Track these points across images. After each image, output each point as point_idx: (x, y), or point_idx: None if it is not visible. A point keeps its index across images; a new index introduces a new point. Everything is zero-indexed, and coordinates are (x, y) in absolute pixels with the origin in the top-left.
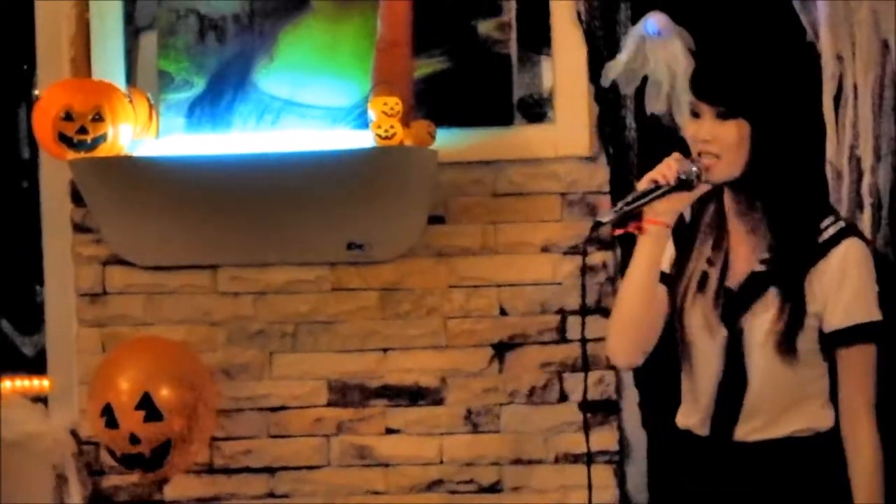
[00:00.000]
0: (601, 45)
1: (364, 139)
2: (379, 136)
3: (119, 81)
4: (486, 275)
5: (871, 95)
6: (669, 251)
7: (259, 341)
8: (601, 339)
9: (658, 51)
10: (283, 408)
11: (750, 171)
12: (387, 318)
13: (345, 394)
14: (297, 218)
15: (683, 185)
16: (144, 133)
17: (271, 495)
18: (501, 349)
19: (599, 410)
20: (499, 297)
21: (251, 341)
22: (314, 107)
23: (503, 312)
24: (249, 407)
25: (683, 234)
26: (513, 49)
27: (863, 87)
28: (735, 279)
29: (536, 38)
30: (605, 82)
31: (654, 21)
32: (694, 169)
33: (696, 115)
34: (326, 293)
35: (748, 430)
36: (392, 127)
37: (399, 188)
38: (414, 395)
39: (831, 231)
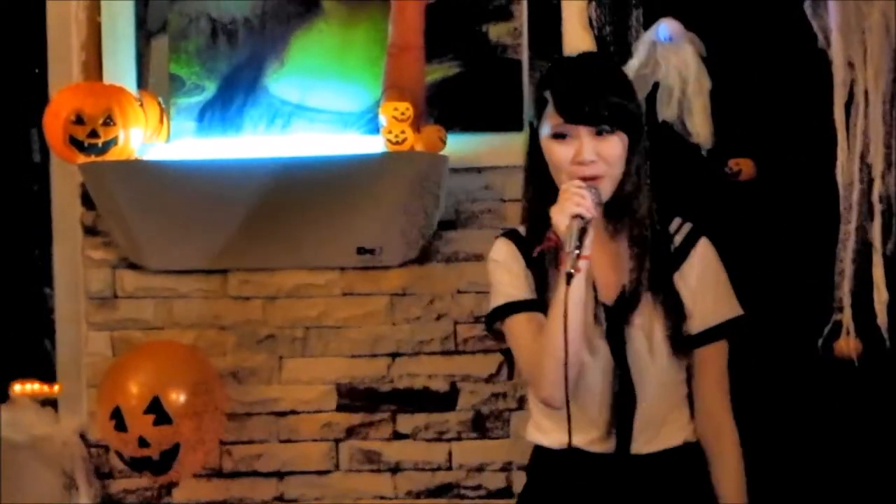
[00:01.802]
0: (613, 51)
1: (375, 144)
2: (389, 140)
3: (130, 85)
4: None
5: (882, 102)
6: (527, 277)
7: (269, 345)
8: None
9: (670, 57)
10: (292, 412)
11: (623, 186)
12: (396, 323)
13: (354, 398)
14: (307, 222)
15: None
16: (155, 137)
17: (280, 499)
18: (510, 354)
19: None
20: None
21: (261, 345)
22: (325, 111)
23: None
24: (259, 411)
25: (537, 260)
26: (524, 54)
27: (874, 94)
28: (608, 294)
29: (548, 43)
30: None
31: (666, 27)
32: (594, 192)
33: (561, 136)
34: (336, 298)
35: (643, 443)
36: (403, 132)
37: (409, 193)
38: (423, 400)
39: (684, 231)
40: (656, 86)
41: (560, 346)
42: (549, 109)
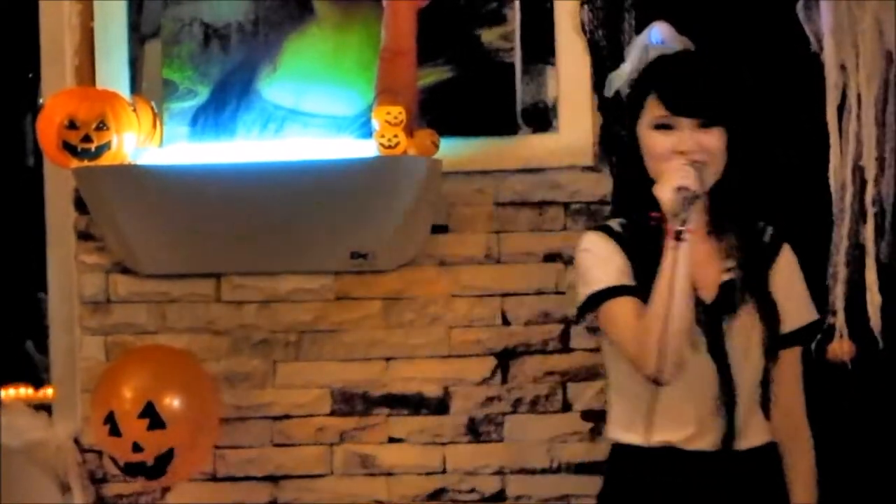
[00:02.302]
0: (605, 55)
1: (368, 148)
2: (382, 145)
3: (123, 90)
4: (489, 284)
5: (874, 105)
6: (625, 265)
7: (263, 350)
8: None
9: None
10: (286, 416)
11: (724, 181)
12: (390, 327)
13: (348, 402)
14: (300, 227)
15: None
16: (148, 142)
17: None
18: (504, 358)
19: (602, 420)
20: (502, 306)
21: (255, 350)
22: (318, 115)
23: (506, 322)
24: (253, 415)
25: (640, 250)
26: (517, 58)
27: (866, 98)
28: (707, 292)
29: (540, 47)
30: (609, 92)
31: (659, 31)
32: (701, 174)
33: (667, 127)
34: (330, 302)
35: (743, 439)
36: (396, 136)
37: (403, 197)
38: (417, 404)
39: (769, 234)
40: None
41: (668, 311)
42: (652, 101)
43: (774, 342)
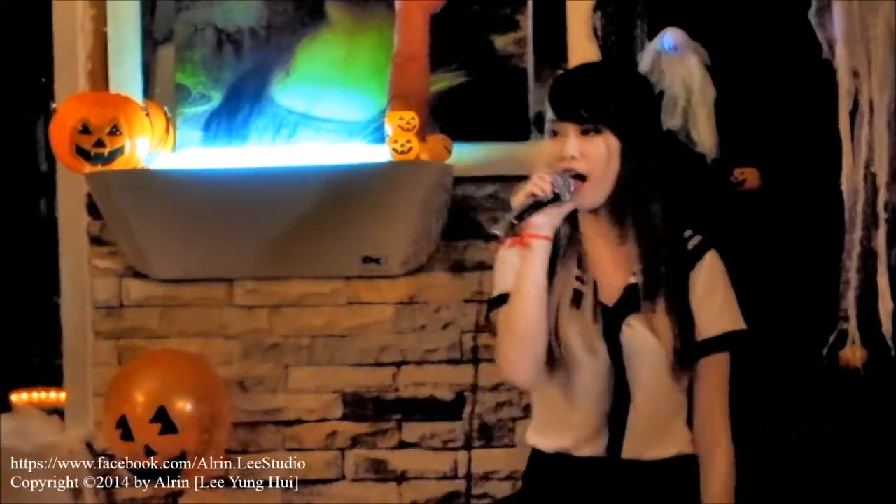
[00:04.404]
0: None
1: (380, 153)
2: (395, 150)
3: (136, 95)
4: None
5: (886, 112)
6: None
7: (274, 354)
8: None
9: (674, 66)
10: (298, 421)
11: (620, 190)
12: (402, 332)
13: (360, 407)
14: (313, 232)
15: (556, 198)
16: (161, 146)
17: None
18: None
19: None
20: None
21: (267, 354)
22: (330, 121)
23: None
24: (264, 420)
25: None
26: (529, 64)
27: (879, 104)
28: (609, 295)
29: (553, 53)
30: None
31: (671, 37)
32: (565, 182)
33: (553, 133)
34: (342, 307)
35: (634, 449)
36: (408, 141)
37: (415, 202)
38: (429, 409)
39: (694, 242)
40: (661, 95)
41: (514, 314)
42: (549, 110)
43: (688, 349)
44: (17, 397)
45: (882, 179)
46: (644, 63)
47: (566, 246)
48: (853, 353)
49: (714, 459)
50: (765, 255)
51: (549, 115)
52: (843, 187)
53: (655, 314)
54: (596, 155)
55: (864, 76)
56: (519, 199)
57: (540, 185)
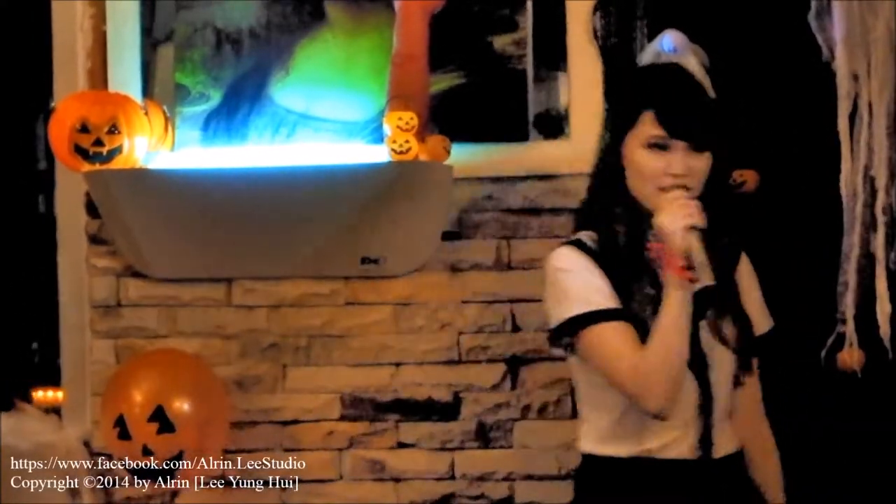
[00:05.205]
0: (617, 62)
1: (379, 154)
2: (394, 150)
3: (135, 94)
4: (499, 290)
5: (886, 115)
6: (605, 285)
7: (272, 354)
8: None
9: None
10: (295, 421)
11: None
12: (400, 333)
13: (357, 408)
14: (311, 232)
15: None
16: (160, 145)
17: None
18: (514, 364)
19: None
20: (512, 312)
21: (264, 354)
22: (329, 121)
23: (516, 328)
24: (262, 420)
25: (612, 268)
26: (528, 65)
27: (878, 107)
28: None
29: (552, 54)
30: None
31: (670, 38)
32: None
33: (661, 147)
34: (340, 307)
35: (719, 447)
36: (407, 142)
37: (414, 203)
38: (426, 410)
39: (727, 243)
40: None
41: (673, 350)
42: (648, 119)
43: (748, 348)
44: (36, 395)
45: (881, 182)
46: (643, 64)
47: (638, 257)
48: (851, 356)
49: (770, 455)
50: (763, 258)
51: (649, 127)
52: (842, 190)
53: (723, 317)
54: (700, 172)
55: (864, 79)
56: (676, 232)
57: (694, 213)
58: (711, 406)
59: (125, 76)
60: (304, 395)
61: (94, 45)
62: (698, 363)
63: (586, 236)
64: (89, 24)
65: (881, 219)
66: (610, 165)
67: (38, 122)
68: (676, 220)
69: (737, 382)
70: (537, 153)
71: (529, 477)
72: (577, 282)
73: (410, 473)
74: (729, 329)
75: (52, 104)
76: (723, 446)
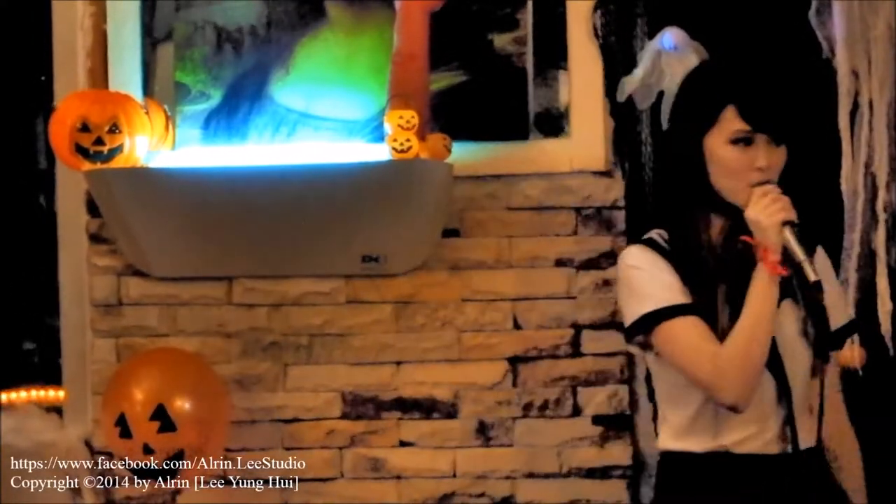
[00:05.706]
0: (617, 60)
1: (380, 152)
2: (395, 149)
3: (136, 93)
4: (500, 288)
5: (886, 112)
6: (676, 281)
7: (273, 353)
8: (616, 354)
9: (674, 66)
10: (296, 420)
11: None
12: (401, 331)
13: (358, 406)
14: (312, 230)
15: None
16: (161, 144)
17: None
18: (515, 363)
19: (613, 425)
20: (513, 310)
21: (265, 353)
22: (330, 119)
23: (517, 326)
24: (263, 418)
25: (685, 264)
26: (529, 63)
27: (878, 104)
28: None
29: (553, 52)
30: (621, 97)
31: (671, 36)
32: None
33: (745, 141)
34: (341, 306)
35: (801, 440)
36: (408, 140)
37: (414, 201)
38: (427, 408)
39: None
40: (661, 95)
41: (756, 343)
42: (730, 114)
43: (825, 340)
44: (15, 395)
45: (882, 180)
46: (644, 63)
47: (714, 251)
48: (852, 354)
49: (846, 451)
50: None
51: (732, 122)
52: (843, 187)
53: (798, 308)
54: (778, 166)
55: (864, 76)
56: (772, 228)
57: (787, 207)
58: (791, 397)
59: (126, 75)
60: (304, 393)
61: (95, 44)
62: (773, 355)
63: (657, 235)
64: (90, 23)
65: (882, 216)
66: (690, 162)
67: (38, 122)
68: (771, 215)
69: (813, 373)
70: (538, 151)
71: (530, 475)
72: (649, 279)
73: (411, 472)
74: (804, 320)
75: (53, 103)
76: (804, 439)
